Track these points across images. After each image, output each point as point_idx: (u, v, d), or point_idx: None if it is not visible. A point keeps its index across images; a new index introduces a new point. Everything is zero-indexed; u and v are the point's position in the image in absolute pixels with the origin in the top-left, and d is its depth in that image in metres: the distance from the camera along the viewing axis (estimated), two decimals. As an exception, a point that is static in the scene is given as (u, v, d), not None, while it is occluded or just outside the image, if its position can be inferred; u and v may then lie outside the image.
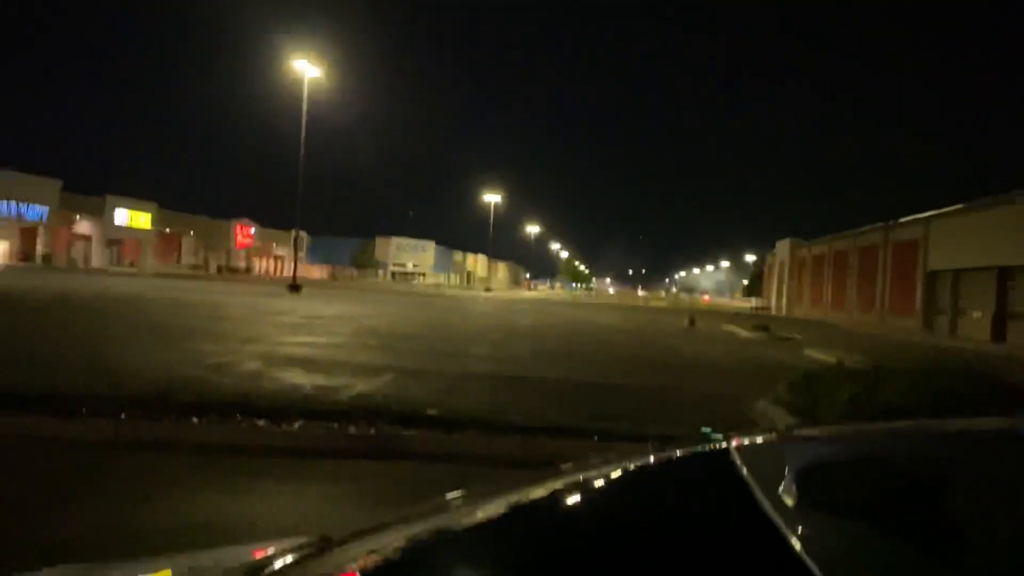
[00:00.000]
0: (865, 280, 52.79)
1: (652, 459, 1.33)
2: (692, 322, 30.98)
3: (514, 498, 1.23)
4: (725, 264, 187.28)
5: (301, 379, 9.53)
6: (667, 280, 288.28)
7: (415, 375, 10.55)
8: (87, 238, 73.92)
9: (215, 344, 12.62)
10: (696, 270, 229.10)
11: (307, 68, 39.19)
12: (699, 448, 1.38)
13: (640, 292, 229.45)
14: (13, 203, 59.94)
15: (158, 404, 6.51)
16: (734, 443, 1.30)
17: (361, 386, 9.23)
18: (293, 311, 22.72)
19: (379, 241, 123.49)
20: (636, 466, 1.32)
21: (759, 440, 1.40)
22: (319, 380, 9.52)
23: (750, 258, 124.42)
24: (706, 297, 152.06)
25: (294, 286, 36.70)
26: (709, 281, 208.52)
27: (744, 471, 1.09)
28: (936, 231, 42.53)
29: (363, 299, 36.05)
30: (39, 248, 65.36)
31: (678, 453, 1.39)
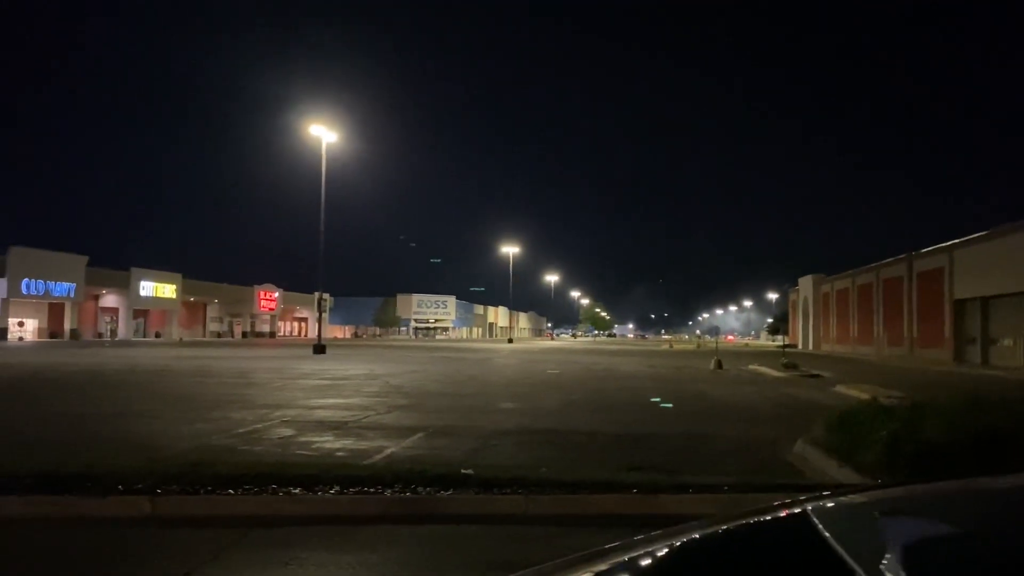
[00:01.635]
0: (891, 313, 52.25)
1: (724, 527, 1.27)
2: (719, 364, 30.67)
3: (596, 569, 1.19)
4: (748, 304, 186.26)
5: (333, 444, 9.51)
6: (690, 323, 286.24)
7: (446, 433, 10.50)
8: (114, 311, 74.93)
9: (244, 412, 12.64)
10: (719, 311, 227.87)
11: (324, 133, 39.97)
12: (774, 514, 1.31)
13: (664, 336, 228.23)
14: (40, 281, 60.98)
15: (192, 477, 6.51)
16: (811, 506, 1.23)
17: (393, 448, 9.19)
18: (319, 373, 22.79)
19: (400, 298, 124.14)
20: (707, 535, 1.26)
21: (841, 502, 1.32)
22: (351, 444, 9.50)
23: (773, 296, 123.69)
24: (730, 338, 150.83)
25: (319, 348, 36.85)
26: (733, 322, 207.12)
27: (832, 540, 1.04)
28: (960, 259, 42.16)
29: (387, 357, 36.10)
30: (67, 323, 66.26)
31: (752, 520, 1.32)
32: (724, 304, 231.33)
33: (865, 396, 17.26)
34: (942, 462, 6.10)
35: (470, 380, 21.73)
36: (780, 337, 69.41)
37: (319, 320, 41.24)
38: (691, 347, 74.78)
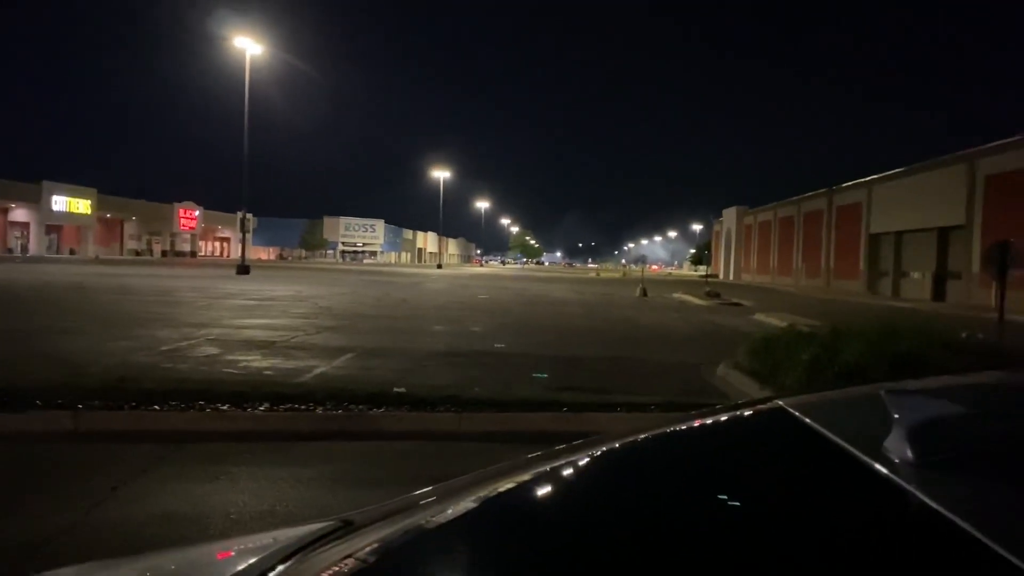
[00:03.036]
0: (810, 245, 53.94)
1: (706, 421, 1.28)
2: (644, 292, 31.28)
3: (550, 466, 1.18)
4: (674, 234, 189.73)
5: (261, 362, 9.37)
6: (617, 252, 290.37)
7: (377, 354, 10.46)
8: (24, 226, 71.47)
9: (169, 330, 12.33)
10: (646, 241, 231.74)
11: (249, 46, 38.23)
12: (748, 410, 1.34)
13: (591, 264, 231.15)
14: (-58, 192, 57.54)
15: (116, 394, 6.35)
16: (783, 402, 1.26)
17: (323, 367, 9.12)
18: (245, 294, 22.33)
19: (327, 221, 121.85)
20: (692, 427, 1.28)
21: (809, 398, 1.35)
22: (280, 363, 9.39)
23: (697, 227, 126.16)
24: (655, 267, 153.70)
25: (243, 268, 36.05)
26: (660, 251, 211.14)
27: (824, 430, 1.06)
28: (877, 195, 43.58)
29: (314, 279, 35.59)
30: (-28, 238, 62.99)
31: (727, 415, 1.34)
32: (651, 234, 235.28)
33: (783, 324, 17.90)
34: (861, 383, 6.38)
35: (400, 303, 21.63)
36: (703, 267, 71.04)
37: (243, 240, 40.23)
38: (617, 276, 75.98)
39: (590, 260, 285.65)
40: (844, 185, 48.88)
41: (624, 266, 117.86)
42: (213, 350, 10.34)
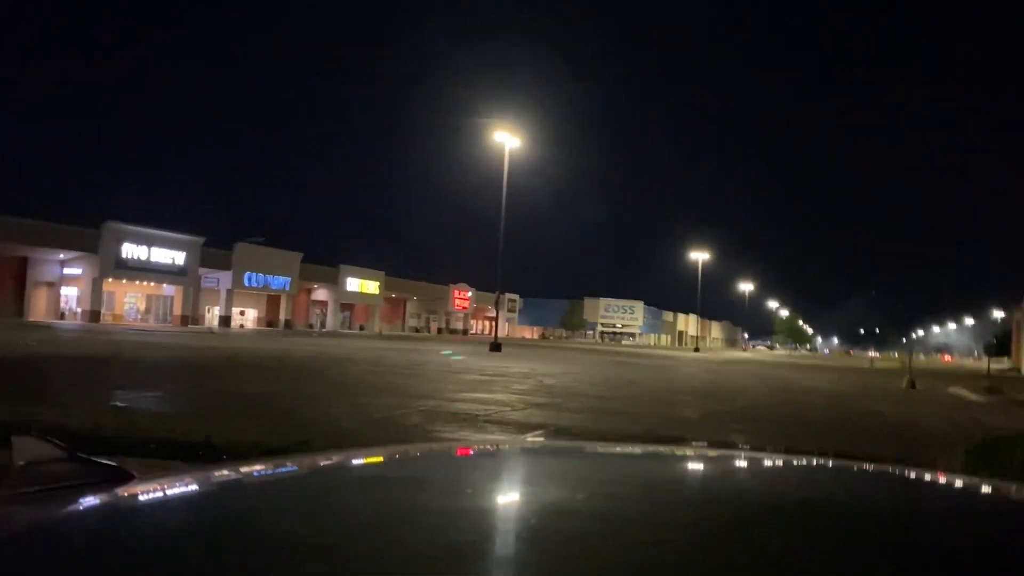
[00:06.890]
0: None
1: None
2: (912, 384, 28.25)
3: None
4: (970, 322, 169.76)
5: (452, 434, 9.81)
6: (903, 340, 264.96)
7: (566, 433, 10.51)
8: (323, 304, 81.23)
9: (390, 399, 13.31)
10: (936, 328, 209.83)
11: (507, 139, 41.14)
12: None
13: (870, 353, 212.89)
14: (261, 275, 67.34)
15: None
16: None
17: (507, 443, 9.33)
18: (483, 369, 23.46)
19: (587, 302, 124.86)
20: None
21: None
22: (468, 435, 9.77)
23: (999, 314, 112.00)
24: (947, 357, 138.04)
25: (495, 346, 38.00)
26: (951, 340, 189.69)
27: None
28: None
29: (559, 358, 36.43)
30: (282, 314, 72.66)
31: None
32: (942, 321, 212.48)
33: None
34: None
35: (629, 385, 21.49)
36: (1004, 359, 62.79)
37: (496, 319, 42.60)
38: (896, 365, 69.34)
39: (870, 348, 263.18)
40: None
41: (909, 354, 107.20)
42: (418, 420, 11.00)
